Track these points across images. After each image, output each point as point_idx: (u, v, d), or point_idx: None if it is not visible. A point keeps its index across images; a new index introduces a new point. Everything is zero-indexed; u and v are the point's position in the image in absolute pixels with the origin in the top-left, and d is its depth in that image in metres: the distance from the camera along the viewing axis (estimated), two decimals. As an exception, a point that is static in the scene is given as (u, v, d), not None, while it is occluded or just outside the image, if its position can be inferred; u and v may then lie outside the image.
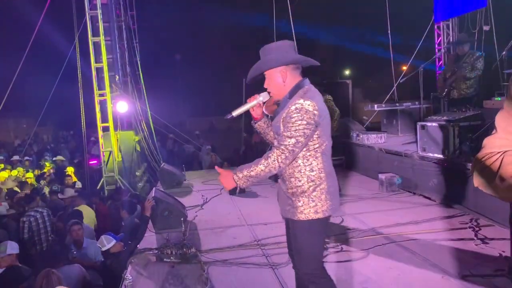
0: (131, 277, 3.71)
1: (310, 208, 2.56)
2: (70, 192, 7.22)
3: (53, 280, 3.97)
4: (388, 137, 8.52)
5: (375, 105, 9.28)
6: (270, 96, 2.70)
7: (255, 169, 2.46)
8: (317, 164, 2.56)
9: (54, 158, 12.21)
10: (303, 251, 2.64)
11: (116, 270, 4.59)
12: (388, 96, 11.51)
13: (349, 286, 3.81)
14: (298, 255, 2.69)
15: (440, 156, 5.91)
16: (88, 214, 6.78)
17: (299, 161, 2.56)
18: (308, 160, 2.55)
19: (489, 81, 7.08)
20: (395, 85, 10.58)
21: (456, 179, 5.63)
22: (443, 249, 4.42)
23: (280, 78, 2.60)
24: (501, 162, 1.21)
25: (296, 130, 2.43)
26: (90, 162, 10.86)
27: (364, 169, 8.47)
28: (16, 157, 11.86)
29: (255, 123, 2.87)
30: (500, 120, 1.30)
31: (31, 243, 6.32)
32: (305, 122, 2.43)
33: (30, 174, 9.85)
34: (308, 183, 2.56)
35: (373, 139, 8.27)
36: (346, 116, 11.59)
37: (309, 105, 2.44)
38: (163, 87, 18.55)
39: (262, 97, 2.69)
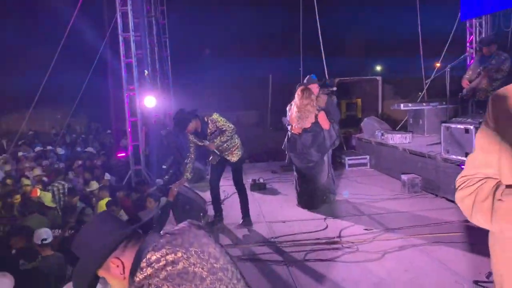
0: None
1: None
2: (95, 185, 7.45)
3: None
4: (414, 137, 8.41)
5: (401, 105, 9.14)
6: None
7: None
8: None
9: (85, 149, 12.61)
10: None
11: None
12: (421, 96, 11.28)
13: (362, 287, 3.84)
14: None
15: (463, 158, 5.80)
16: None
17: None
18: None
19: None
20: (426, 85, 10.41)
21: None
22: (460, 253, 4.39)
23: (116, 269, 1.47)
24: (475, 198, 1.24)
25: None
26: (118, 155, 11.14)
27: (388, 169, 8.38)
28: (49, 148, 12.23)
29: None
30: (478, 137, 1.32)
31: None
32: None
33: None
34: None
35: (397, 139, 8.17)
36: (374, 114, 11.49)
37: None
38: (191, 82, 18.78)
39: None
